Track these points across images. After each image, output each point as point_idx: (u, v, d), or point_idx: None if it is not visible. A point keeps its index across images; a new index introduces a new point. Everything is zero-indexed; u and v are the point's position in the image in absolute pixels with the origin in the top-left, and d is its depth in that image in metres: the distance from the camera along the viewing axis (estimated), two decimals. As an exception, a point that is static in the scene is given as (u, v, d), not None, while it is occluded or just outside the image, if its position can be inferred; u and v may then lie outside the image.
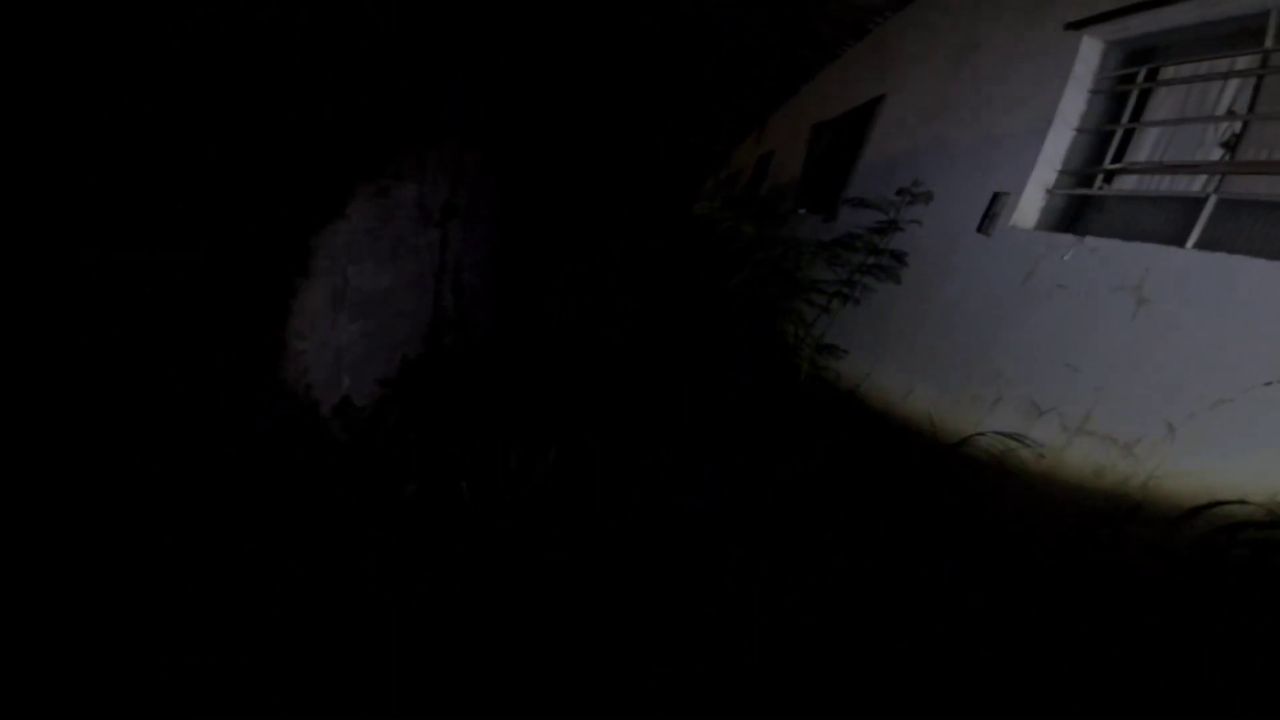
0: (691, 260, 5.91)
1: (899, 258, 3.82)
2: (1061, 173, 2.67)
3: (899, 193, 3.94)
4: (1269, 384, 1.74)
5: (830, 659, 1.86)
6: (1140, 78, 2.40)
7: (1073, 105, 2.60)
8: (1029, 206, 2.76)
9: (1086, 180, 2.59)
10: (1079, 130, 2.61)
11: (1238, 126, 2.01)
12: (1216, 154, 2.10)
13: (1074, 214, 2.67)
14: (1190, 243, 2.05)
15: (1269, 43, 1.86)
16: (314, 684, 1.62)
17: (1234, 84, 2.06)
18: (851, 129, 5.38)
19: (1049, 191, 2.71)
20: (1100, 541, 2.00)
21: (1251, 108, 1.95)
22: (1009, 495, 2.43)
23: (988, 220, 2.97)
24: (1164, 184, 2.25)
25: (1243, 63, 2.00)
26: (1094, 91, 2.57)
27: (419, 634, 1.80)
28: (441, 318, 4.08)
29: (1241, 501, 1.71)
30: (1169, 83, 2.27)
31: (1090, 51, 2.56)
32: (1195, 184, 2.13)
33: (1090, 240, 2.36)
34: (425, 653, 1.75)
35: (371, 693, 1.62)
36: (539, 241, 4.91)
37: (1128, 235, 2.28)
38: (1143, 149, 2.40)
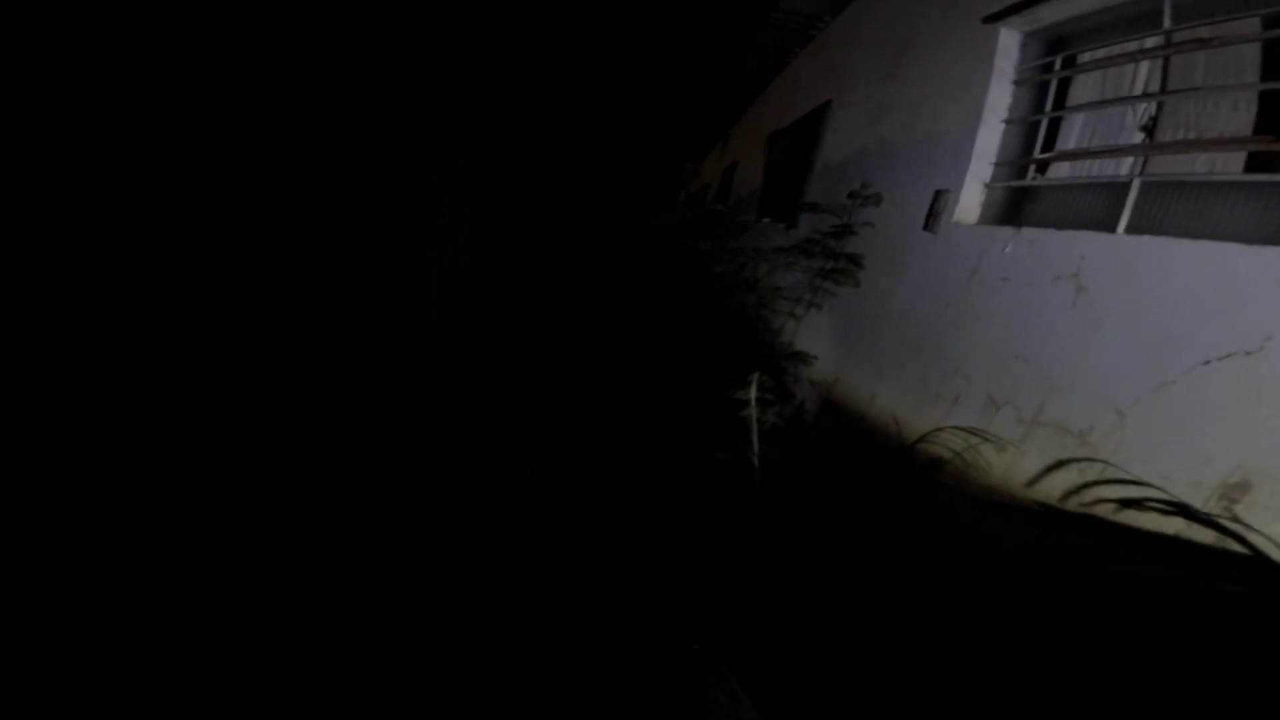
0: (654, 277, 5.91)
1: (855, 261, 3.81)
2: (996, 165, 2.67)
3: (850, 196, 3.95)
4: (1207, 363, 1.72)
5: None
6: (1057, 66, 2.41)
7: (999, 98, 2.61)
8: (969, 202, 2.76)
9: (1020, 172, 2.59)
10: (1007, 122, 2.61)
11: (1154, 109, 2.01)
12: (1138, 138, 2.10)
13: (1012, 206, 2.67)
14: (1120, 228, 2.03)
15: (1167, 23, 1.86)
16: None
17: (1145, 66, 2.06)
18: (804, 135, 5.42)
19: (986, 185, 2.71)
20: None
21: (1163, 88, 1.95)
22: (971, 489, 2.38)
23: (932, 218, 2.96)
24: (1093, 170, 2.25)
25: (1150, 43, 2.01)
26: (1017, 82, 2.58)
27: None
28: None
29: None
30: (1085, 69, 2.28)
31: (1009, 43, 2.58)
32: (1122, 168, 2.13)
33: (1027, 231, 2.35)
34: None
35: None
36: (501, 263, 4.91)
37: (1063, 224, 2.27)
38: (1070, 137, 2.40)
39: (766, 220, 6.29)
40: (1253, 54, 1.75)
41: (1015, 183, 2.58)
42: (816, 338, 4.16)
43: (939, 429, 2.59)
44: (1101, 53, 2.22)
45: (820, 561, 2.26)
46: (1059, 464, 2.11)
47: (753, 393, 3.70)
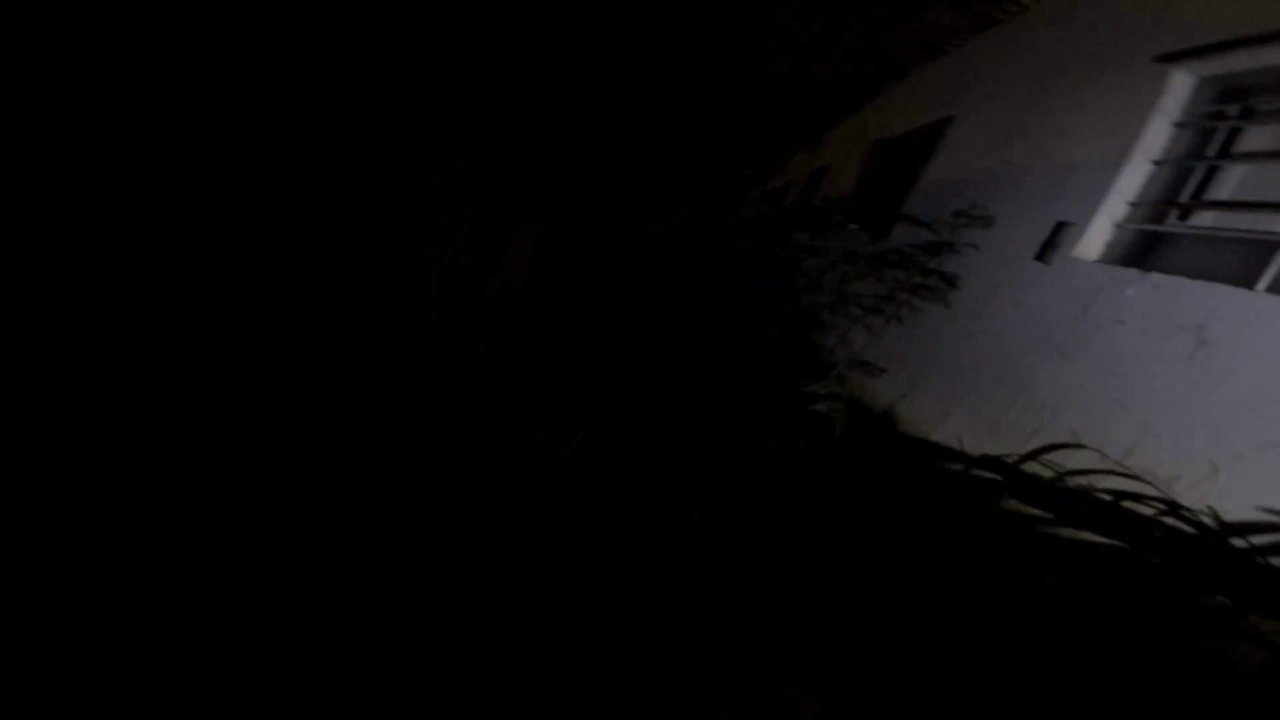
0: (728, 266, 5.92)
1: (950, 280, 3.77)
2: (1133, 206, 2.61)
3: (956, 215, 3.90)
4: (1329, 435, 1.69)
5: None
6: (1231, 114, 2.34)
7: (1154, 138, 2.55)
8: (1094, 238, 2.71)
9: (1158, 215, 2.53)
10: (1158, 163, 2.55)
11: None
12: (1301, 199, 2.04)
13: (1140, 249, 2.61)
14: (1261, 285, 1.99)
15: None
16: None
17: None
18: (914, 148, 5.32)
19: (1116, 225, 2.66)
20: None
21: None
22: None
23: (1049, 249, 2.92)
24: (1240, 223, 2.19)
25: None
26: (1179, 125, 2.51)
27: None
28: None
29: None
30: (1263, 120, 2.21)
31: (1180, 85, 2.50)
32: (1275, 224, 2.07)
33: (1154, 276, 2.31)
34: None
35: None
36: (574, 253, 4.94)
37: (1194, 274, 2.23)
38: (1224, 187, 2.33)
39: (854, 227, 6.22)
40: None
41: (1151, 226, 2.52)
42: (888, 350, 4.15)
43: (1006, 454, 2.59)
44: (1281, 107, 2.15)
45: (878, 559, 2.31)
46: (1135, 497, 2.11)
47: (823, 390, 3.73)
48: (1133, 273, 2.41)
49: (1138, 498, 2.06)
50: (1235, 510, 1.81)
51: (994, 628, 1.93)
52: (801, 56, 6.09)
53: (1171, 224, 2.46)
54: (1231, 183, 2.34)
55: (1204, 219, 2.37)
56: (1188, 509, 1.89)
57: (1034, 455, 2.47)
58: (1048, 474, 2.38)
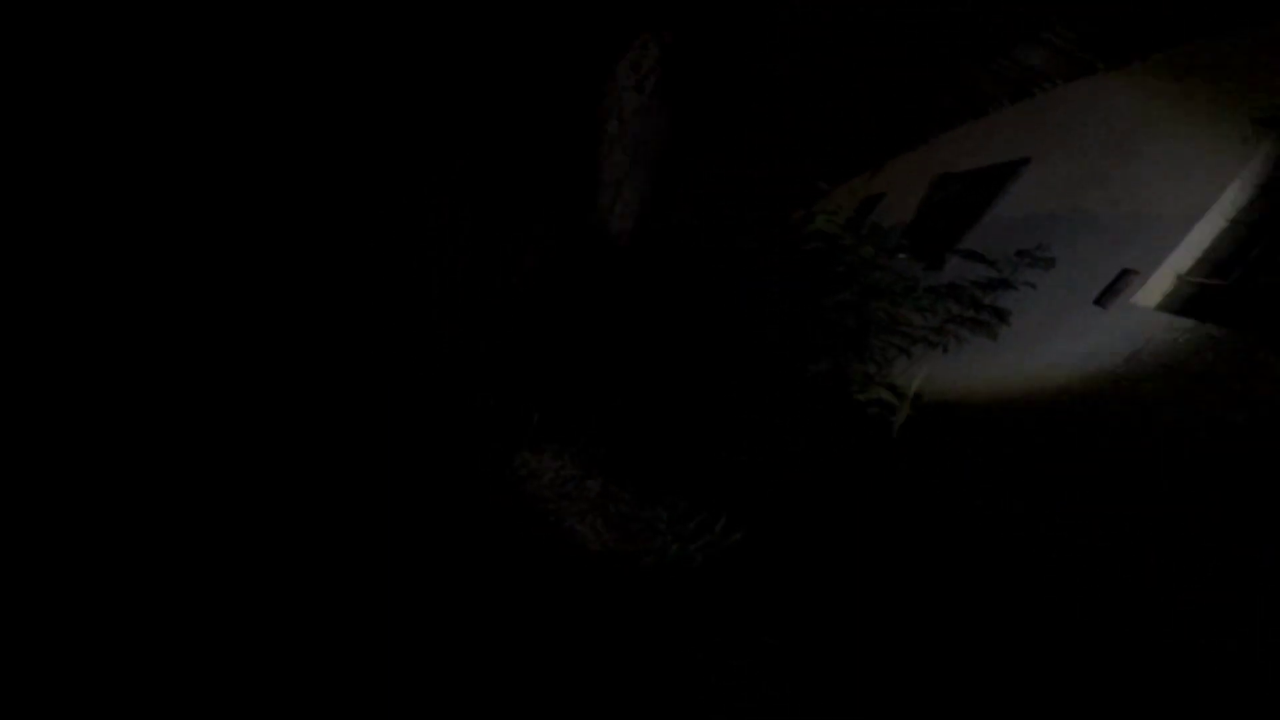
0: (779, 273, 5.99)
1: (1002, 315, 3.82)
2: (1200, 260, 2.65)
3: (1019, 254, 3.95)
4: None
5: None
6: (1312, 184, 2.38)
7: (1236, 197, 2.59)
8: (1155, 287, 2.76)
9: (1222, 270, 2.57)
10: (1232, 222, 2.59)
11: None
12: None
13: (1199, 301, 2.66)
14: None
15: None
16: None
17: None
18: (982, 185, 5.36)
19: (1180, 277, 2.70)
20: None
21: None
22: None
23: (1109, 294, 2.97)
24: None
25: None
26: (1264, 186, 2.55)
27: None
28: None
29: None
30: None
31: (1276, 148, 2.54)
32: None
33: (1210, 327, 2.36)
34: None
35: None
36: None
37: (1255, 327, 2.27)
38: (1294, 254, 2.37)
39: (904, 256, 6.27)
40: None
41: (1214, 280, 2.57)
42: (927, 378, 4.21)
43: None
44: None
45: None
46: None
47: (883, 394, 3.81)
48: (1189, 322, 2.46)
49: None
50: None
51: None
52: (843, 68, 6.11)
53: (1234, 279, 2.50)
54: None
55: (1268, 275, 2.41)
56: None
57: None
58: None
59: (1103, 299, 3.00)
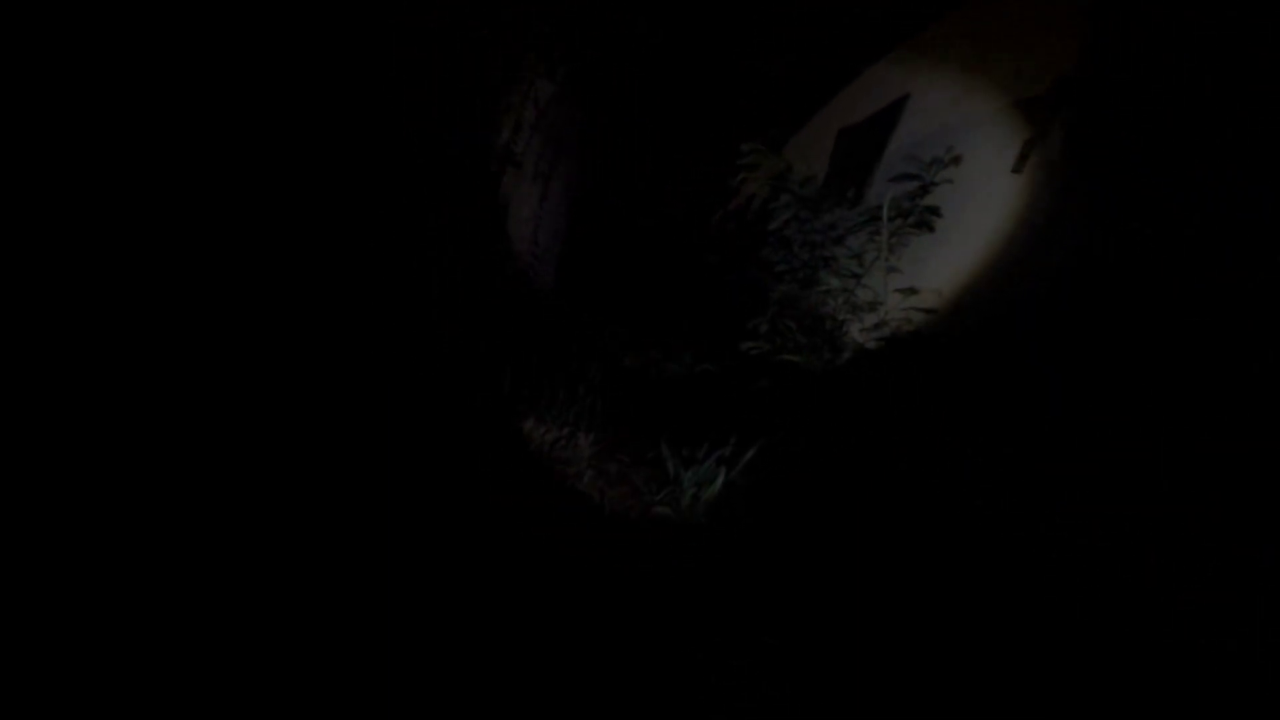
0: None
1: (934, 210, 4.53)
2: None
3: (932, 162, 4.69)
4: None
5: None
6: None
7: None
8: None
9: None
10: (1094, 80, 3.36)
11: None
12: None
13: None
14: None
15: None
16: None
17: None
18: (879, 125, 6.22)
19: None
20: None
21: None
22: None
23: (1022, 160, 3.69)
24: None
25: None
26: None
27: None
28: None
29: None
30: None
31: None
32: None
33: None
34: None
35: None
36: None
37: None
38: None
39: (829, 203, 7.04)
40: None
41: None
42: (886, 287, 4.83)
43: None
44: None
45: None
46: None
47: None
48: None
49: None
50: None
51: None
52: (798, 57, 6.86)
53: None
54: None
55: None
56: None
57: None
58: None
59: (1018, 167, 3.72)
